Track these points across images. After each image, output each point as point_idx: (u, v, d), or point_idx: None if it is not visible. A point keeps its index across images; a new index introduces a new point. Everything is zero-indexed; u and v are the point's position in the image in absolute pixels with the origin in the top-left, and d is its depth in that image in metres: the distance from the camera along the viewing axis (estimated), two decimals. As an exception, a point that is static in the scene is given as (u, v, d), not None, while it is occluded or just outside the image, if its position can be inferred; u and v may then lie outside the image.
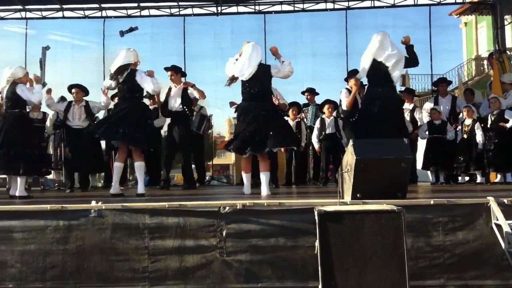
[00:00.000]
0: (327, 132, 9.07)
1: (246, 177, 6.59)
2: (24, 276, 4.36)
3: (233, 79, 6.51)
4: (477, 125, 8.82)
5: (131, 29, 12.82)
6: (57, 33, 13.64)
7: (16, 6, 13.30)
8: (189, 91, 8.38)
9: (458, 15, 18.75)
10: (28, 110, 7.57)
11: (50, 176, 10.56)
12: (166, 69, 8.46)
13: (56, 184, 10.17)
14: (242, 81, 6.47)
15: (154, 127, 7.46)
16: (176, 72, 8.44)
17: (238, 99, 6.83)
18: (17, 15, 13.56)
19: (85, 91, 8.91)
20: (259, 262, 4.31)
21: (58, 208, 4.60)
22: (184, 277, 4.32)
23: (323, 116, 9.26)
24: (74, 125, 8.63)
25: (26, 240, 4.47)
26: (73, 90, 8.79)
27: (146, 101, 9.15)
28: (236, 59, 6.51)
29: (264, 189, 6.28)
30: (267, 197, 5.83)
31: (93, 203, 4.65)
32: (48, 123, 9.48)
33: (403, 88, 10.59)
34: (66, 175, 8.84)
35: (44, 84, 11.79)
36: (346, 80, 8.44)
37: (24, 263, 4.40)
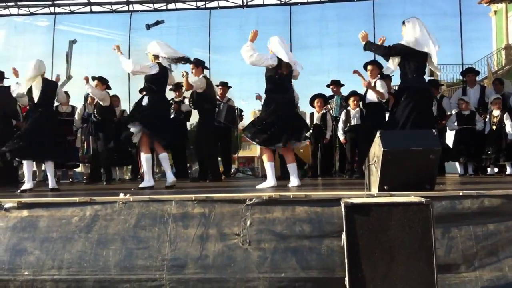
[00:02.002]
0: (352, 124, 8.99)
1: (271, 167, 6.41)
2: (41, 264, 4.38)
3: None
4: (506, 115, 8.65)
5: (157, 22, 12.89)
6: (84, 27, 13.81)
7: (45, 1, 13.51)
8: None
9: (488, 3, 18.37)
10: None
11: (79, 169, 10.73)
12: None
13: (85, 177, 10.32)
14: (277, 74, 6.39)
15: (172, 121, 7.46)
16: (197, 65, 8.43)
17: (262, 91, 6.76)
18: (46, 10, 13.78)
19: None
20: (283, 251, 4.27)
21: (87, 200, 4.67)
22: (204, 266, 4.27)
23: (348, 107, 9.19)
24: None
25: (49, 228, 4.53)
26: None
27: (172, 93, 9.22)
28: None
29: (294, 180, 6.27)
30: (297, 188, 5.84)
31: (121, 195, 4.71)
32: (76, 116, 9.61)
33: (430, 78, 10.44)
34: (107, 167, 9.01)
35: (69, 77, 12.00)
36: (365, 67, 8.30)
37: (43, 250, 4.44)
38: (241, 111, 10.20)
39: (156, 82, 6.71)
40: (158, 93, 6.74)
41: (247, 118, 10.23)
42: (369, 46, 6.50)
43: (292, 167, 6.42)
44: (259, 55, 6.36)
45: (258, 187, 6.16)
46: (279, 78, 6.35)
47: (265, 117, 6.34)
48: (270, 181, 6.23)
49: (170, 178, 6.69)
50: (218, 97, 9.64)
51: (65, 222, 4.55)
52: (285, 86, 6.46)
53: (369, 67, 8.09)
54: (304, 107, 10.24)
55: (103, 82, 8.92)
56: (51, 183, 6.79)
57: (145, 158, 6.66)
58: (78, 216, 4.57)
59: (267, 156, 6.41)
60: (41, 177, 9.94)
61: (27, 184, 6.68)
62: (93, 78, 8.90)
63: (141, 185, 6.53)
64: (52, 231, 4.51)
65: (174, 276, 4.23)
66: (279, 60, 6.33)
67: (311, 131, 9.57)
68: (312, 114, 9.74)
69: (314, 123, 9.58)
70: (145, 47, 7.10)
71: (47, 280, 4.31)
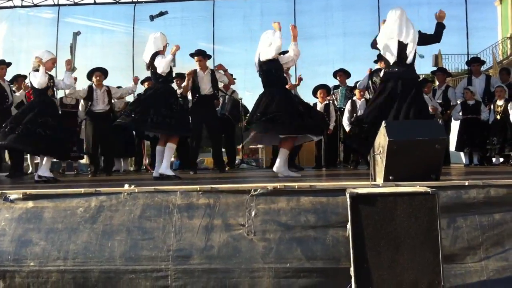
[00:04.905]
0: (358, 115, 8.95)
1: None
2: (47, 255, 4.39)
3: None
4: (510, 105, 8.61)
5: (161, 14, 12.88)
6: (88, 18, 13.79)
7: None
8: (217, 75, 8.36)
9: (494, -7, 18.24)
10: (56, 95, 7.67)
11: (84, 161, 10.75)
12: (192, 55, 8.43)
13: (90, 169, 10.34)
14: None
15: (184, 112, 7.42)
16: (204, 57, 8.44)
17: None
18: (50, 1, 13.76)
19: (106, 75, 8.96)
20: (288, 242, 4.26)
21: (92, 191, 4.68)
22: (210, 257, 4.26)
23: (354, 98, 9.15)
24: (98, 109, 8.68)
25: (54, 219, 4.54)
26: (96, 74, 8.81)
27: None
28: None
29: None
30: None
31: (126, 186, 4.71)
32: (80, 108, 9.61)
33: (435, 68, 10.40)
34: (91, 159, 8.98)
35: (73, 69, 11.98)
36: (377, 62, 8.35)
37: (48, 241, 4.44)
38: (245, 107, 10.15)
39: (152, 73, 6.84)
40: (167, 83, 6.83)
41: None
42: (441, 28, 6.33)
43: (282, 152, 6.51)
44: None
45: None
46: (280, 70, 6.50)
47: (275, 108, 6.28)
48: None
49: (163, 169, 6.59)
50: (222, 88, 9.65)
51: (70, 213, 4.56)
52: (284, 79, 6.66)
53: None
54: (308, 97, 10.22)
55: (104, 74, 8.86)
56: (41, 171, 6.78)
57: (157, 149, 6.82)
58: (83, 207, 4.58)
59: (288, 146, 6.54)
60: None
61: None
62: (93, 71, 8.88)
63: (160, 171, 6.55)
64: (57, 222, 4.51)
65: (179, 267, 4.23)
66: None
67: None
68: (315, 105, 9.70)
69: (318, 114, 9.55)
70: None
71: (52, 271, 4.32)
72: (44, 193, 4.79)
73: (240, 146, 11.82)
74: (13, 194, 4.72)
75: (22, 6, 13.89)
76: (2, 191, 4.76)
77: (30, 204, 4.65)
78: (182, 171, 8.93)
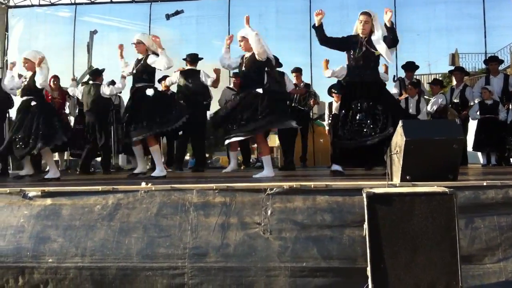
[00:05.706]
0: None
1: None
2: (64, 251, 4.43)
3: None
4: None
5: (177, 12, 12.94)
6: (104, 17, 13.87)
7: (66, -8, 13.62)
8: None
9: (512, -10, 17.98)
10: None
11: (100, 159, 10.82)
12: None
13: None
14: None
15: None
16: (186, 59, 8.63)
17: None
18: (67, 0, 13.87)
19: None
20: (304, 241, 4.25)
21: (109, 189, 4.72)
22: (226, 255, 4.27)
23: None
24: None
25: (72, 216, 4.59)
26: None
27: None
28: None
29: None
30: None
31: (143, 184, 4.75)
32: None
33: (452, 67, 10.31)
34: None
35: (90, 68, 12.10)
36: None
37: (66, 238, 4.48)
38: None
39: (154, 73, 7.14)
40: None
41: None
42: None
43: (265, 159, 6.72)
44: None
45: (255, 176, 6.37)
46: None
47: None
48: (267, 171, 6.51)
49: (157, 171, 6.72)
50: (233, 87, 9.69)
51: (88, 210, 4.60)
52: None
53: None
54: (324, 96, 10.21)
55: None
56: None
57: (153, 149, 6.86)
58: (100, 205, 4.62)
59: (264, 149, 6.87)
60: (63, 167, 10.06)
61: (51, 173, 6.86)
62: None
63: (153, 174, 6.68)
64: (75, 219, 4.56)
65: (195, 265, 4.25)
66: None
67: (329, 121, 9.54)
68: (330, 104, 9.68)
69: (333, 112, 9.52)
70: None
71: (70, 268, 4.36)
72: (62, 191, 4.85)
73: (255, 145, 11.82)
74: (32, 191, 4.78)
75: (40, 5, 14.01)
76: (21, 188, 4.83)
77: (48, 201, 4.71)
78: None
